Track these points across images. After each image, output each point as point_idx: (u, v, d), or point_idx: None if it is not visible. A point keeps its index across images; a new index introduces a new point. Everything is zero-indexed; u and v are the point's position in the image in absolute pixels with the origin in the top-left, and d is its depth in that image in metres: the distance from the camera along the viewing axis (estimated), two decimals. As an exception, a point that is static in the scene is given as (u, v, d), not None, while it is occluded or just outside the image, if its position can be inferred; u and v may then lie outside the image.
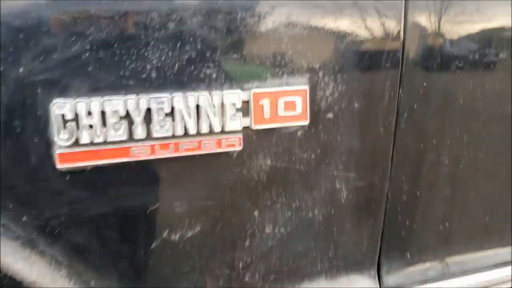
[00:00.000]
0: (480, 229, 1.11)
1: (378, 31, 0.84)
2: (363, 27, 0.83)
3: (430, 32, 0.90)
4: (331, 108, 0.83)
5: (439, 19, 0.90)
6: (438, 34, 0.91)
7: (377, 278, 1.00)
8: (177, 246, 0.78)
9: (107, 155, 0.68)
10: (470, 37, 0.95)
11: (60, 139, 0.66)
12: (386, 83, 0.87)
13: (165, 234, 0.77)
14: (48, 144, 0.66)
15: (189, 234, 0.78)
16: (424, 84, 0.91)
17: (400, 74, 0.88)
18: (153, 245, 0.76)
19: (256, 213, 0.83)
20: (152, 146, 0.70)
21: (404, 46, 0.86)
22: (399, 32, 0.85)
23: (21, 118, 0.65)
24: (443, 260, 1.07)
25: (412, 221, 1.01)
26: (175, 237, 0.77)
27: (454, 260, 1.08)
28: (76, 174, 0.69)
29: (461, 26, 0.93)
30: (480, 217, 1.09)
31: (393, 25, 0.85)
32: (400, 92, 0.89)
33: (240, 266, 0.85)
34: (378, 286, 1.00)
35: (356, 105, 0.85)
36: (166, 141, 0.71)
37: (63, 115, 0.65)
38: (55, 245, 0.70)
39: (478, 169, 1.03)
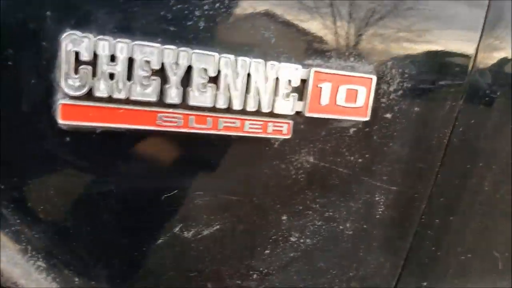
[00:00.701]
0: (500, 268, 1.02)
1: (453, 40, 0.72)
2: (440, 31, 0.70)
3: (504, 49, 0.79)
4: (391, 107, 0.70)
5: None
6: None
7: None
8: (188, 245, 0.62)
9: (127, 118, 0.52)
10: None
11: (69, 85, 0.48)
12: (449, 91, 0.75)
13: (177, 228, 0.61)
14: (49, 90, 0.49)
15: (205, 232, 0.63)
16: (486, 100, 0.80)
17: (465, 85, 0.76)
18: (160, 240, 0.60)
19: (284, 217, 0.69)
20: (186, 116, 0.54)
21: (475, 58, 0.75)
22: (472, 43, 0.74)
23: (17, 46, 0.47)
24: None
25: (438, 248, 0.90)
26: (188, 233, 0.62)
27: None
28: (80, 135, 0.51)
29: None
30: (504, 256, 1.00)
31: (468, 35, 0.73)
32: (461, 103, 0.77)
33: (254, 277, 0.70)
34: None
35: (416, 109, 0.72)
36: (204, 113, 0.55)
37: (77, 54, 0.48)
38: (35, 227, 0.53)
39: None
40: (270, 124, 0.59)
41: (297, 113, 0.61)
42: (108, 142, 0.53)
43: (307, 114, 0.61)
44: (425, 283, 0.92)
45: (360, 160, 0.71)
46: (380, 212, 0.78)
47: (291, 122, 0.61)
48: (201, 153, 0.59)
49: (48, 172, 0.51)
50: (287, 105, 0.59)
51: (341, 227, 0.75)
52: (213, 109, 0.55)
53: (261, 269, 0.70)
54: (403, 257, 0.86)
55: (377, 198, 0.76)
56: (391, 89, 0.68)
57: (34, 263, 0.52)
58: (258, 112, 0.58)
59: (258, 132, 0.59)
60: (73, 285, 0.55)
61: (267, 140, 0.62)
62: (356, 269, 0.81)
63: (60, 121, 0.49)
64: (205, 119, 0.55)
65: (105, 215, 0.55)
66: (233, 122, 0.57)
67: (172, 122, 0.53)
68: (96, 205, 0.54)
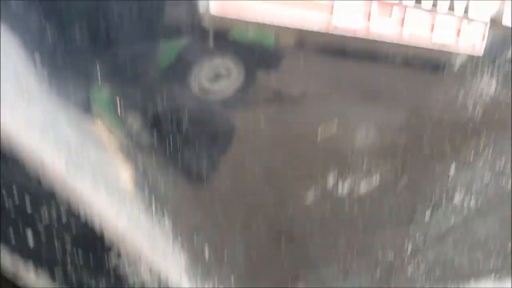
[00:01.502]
0: None
1: None
2: None
3: None
4: None
5: None
6: None
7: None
8: (340, 203, 0.47)
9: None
10: None
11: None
12: None
13: (331, 180, 0.45)
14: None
15: (362, 186, 0.47)
16: None
17: None
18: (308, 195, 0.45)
19: (452, 169, 0.53)
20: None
21: None
22: None
23: None
24: None
25: None
26: (343, 190, 0.46)
27: None
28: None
29: None
30: None
31: None
32: None
33: (408, 248, 0.55)
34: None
35: None
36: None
37: None
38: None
39: None
40: (463, 30, 0.43)
41: (492, 21, 0.45)
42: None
43: (505, 22, 0.45)
44: None
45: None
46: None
47: (485, 29, 0.45)
48: (368, 72, 0.43)
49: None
50: (483, 5, 0.43)
51: (509, 185, 0.58)
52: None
53: (417, 238, 0.54)
54: None
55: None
56: None
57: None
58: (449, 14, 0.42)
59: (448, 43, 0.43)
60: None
61: (449, 60, 0.46)
62: (516, 242, 0.64)
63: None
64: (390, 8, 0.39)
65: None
66: (421, 26, 0.41)
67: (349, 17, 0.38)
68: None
